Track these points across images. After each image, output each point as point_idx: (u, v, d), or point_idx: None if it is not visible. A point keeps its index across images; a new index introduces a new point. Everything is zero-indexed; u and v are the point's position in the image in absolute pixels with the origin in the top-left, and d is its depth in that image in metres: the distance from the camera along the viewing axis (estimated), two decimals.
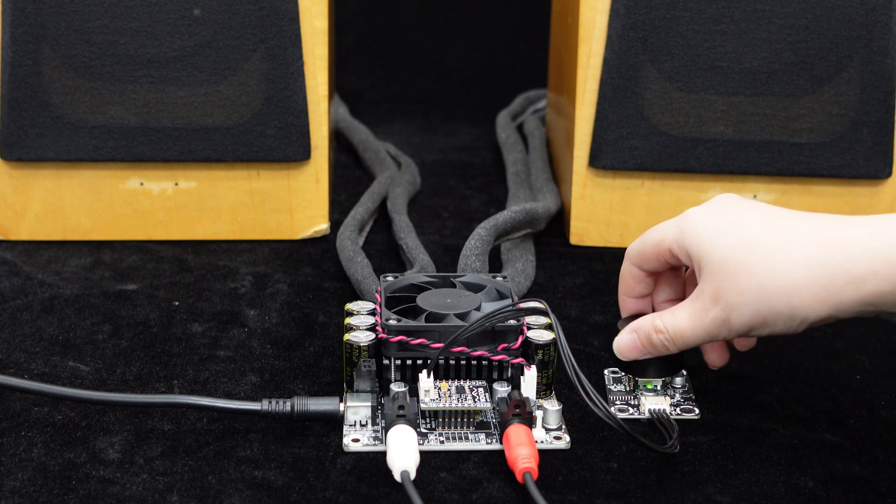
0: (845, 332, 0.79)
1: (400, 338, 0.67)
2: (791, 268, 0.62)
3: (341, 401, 0.67)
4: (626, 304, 0.72)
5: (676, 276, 0.72)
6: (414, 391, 0.67)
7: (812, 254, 0.61)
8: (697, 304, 0.65)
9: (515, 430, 0.63)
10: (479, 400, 0.66)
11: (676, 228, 0.67)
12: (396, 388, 0.67)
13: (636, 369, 0.70)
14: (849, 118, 0.87)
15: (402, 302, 0.72)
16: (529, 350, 0.68)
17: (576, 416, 0.68)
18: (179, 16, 0.86)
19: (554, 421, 0.66)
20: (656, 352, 0.68)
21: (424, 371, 0.66)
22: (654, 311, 0.72)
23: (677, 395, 0.70)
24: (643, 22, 0.86)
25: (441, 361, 0.68)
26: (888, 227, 0.61)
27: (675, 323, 0.66)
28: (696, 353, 0.74)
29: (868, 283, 0.60)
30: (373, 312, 0.71)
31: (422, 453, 0.64)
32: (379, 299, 0.71)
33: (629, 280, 0.71)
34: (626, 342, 0.69)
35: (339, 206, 0.99)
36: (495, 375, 0.68)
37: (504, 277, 0.75)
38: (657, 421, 0.67)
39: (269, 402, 0.66)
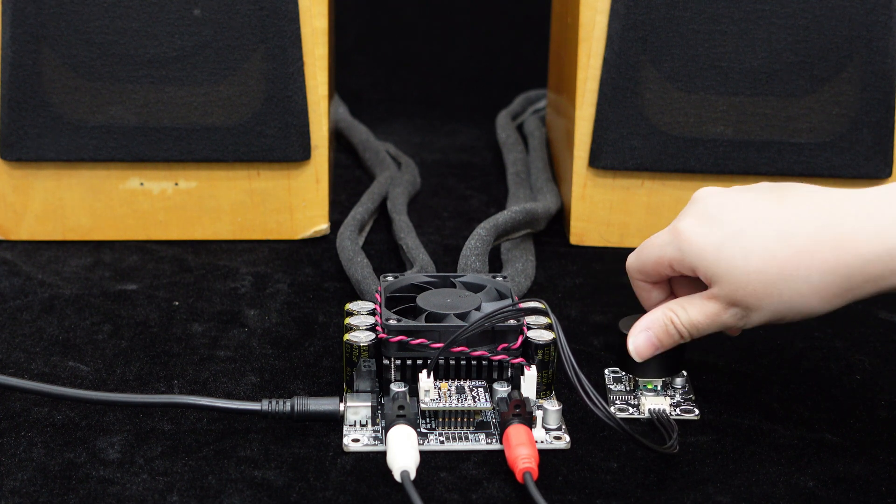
0: (845, 332, 0.79)
1: (400, 338, 0.67)
2: (809, 275, 0.62)
3: (341, 401, 0.67)
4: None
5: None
6: (414, 391, 0.67)
7: (826, 260, 0.62)
8: (712, 305, 0.66)
9: (515, 430, 0.63)
10: (479, 400, 0.66)
11: (673, 247, 0.66)
12: (396, 388, 0.67)
13: (637, 369, 0.70)
14: (849, 118, 0.87)
15: (402, 302, 0.72)
16: (529, 350, 0.68)
17: (576, 416, 0.68)
18: (179, 16, 0.86)
19: (554, 421, 0.66)
20: (672, 345, 0.68)
21: (424, 371, 0.66)
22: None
23: (677, 396, 0.70)
24: (643, 22, 0.86)
25: (441, 361, 0.68)
26: (892, 216, 0.61)
27: (689, 318, 0.67)
28: (696, 352, 0.74)
29: (886, 279, 0.61)
30: (373, 312, 0.71)
31: (422, 453, 0.64)
32: (379, 299, 0.71)
33: (643, 293, 0.71)
34: (642, 341, 0.68)
35: (339, 206, 0.99)
36: (495, 375, 0.68)
37: (504, 277, 0.75)
38: (657, 421, 0.67)
39: (269, 402, 0.66)
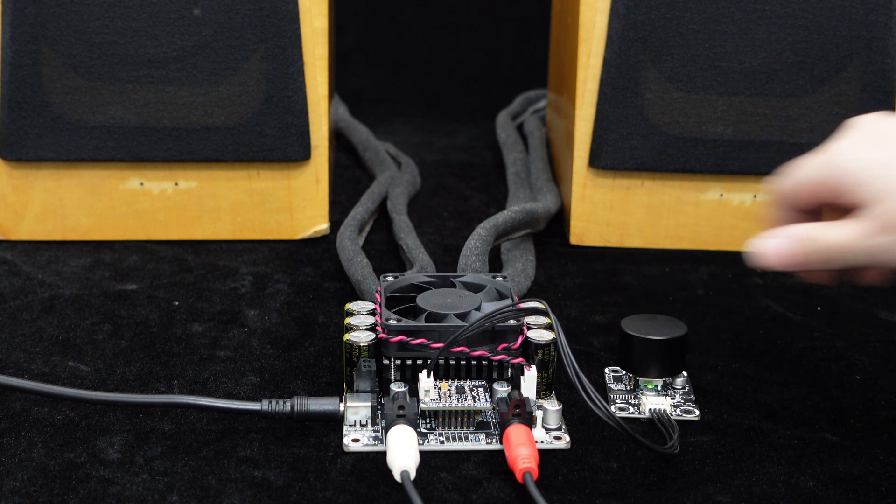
0: (845, 332, 0.79)
1: (400, 338, 0.67)
2: None
3: (341, 401, 0.67)
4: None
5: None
6: (414, 391, 0.67)
7: None
8: (864, 226, 0.59)
9: (515, 430, 0.63)
10: (479, 400, 0.66)
11: (829, 166, 0.61)
12: (396, 388, 0.67)
13: (637, 369, 0.70)
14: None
15: (402, 302, 0.72)
16: (529, 350, 0.68)
17: (576, 416, 0.68)
18: (179, 16, 0.86)
19: (554, 421, 0.66)
20: (806, 264, 0.60)
21: (424, 371, 0.66)
22: None
23: (677, 396, 0.70)
24: (643, 22, 0.86)
25: (441, 361, 0.68)
26: None
27: (837, 237, 0.60)
28: (696, 353, 0.74)
29: None
30: (373, 312, 0.71)
31: (422, 453, 0.63)
32: (379, 299, 0.71)
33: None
34: (776, 246, 0.61)
35: (339, 206, 0.99)
36: (495, 375, 0.68)
37: (504, 277, 0.75)
38: (658, 421, 0.67)
39: (269, 402, 0.66)
